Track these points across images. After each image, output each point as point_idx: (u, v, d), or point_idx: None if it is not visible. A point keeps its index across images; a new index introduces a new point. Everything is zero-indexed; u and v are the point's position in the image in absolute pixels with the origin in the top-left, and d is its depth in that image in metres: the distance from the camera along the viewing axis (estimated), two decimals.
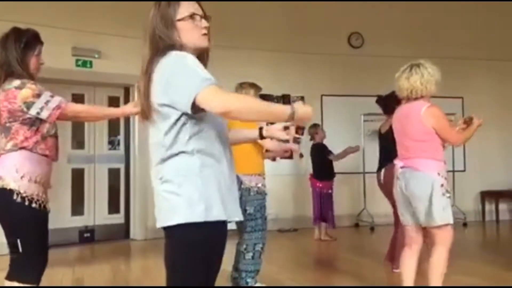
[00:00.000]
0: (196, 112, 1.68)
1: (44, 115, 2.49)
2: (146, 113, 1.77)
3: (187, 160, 1.73)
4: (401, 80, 3.23)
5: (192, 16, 1.82)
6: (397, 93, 3.34)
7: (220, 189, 1.76)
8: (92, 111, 2.80)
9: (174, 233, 1.73)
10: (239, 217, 1.87)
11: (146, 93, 1.75)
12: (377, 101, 4.96)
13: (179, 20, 1.80)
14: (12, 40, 2.59)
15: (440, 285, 3.12)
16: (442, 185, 3.07)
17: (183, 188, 1.72)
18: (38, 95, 2.49)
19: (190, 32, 1.82)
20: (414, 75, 3.16)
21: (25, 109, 2.48)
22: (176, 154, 1.73)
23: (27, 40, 2.62)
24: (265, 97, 4.47)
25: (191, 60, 1.73)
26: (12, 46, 2.57)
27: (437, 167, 3.11)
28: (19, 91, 2.49)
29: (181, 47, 1.79)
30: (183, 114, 1.71)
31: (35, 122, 2.52)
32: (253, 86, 4.22)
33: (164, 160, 1.75)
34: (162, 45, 1.78)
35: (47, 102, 2.49)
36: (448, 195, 3.10)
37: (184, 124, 1.72)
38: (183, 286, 1.74)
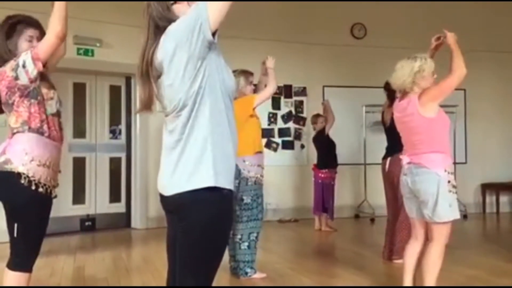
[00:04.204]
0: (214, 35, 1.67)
1: (30, 67, 2.47)
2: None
3: (207, 125, 1.72)
4: (394, 73, 3.22)
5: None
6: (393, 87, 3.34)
7: (228, 158, 1.77)
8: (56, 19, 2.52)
9: (201, 196, 1.70)
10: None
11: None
12: (384, 86, 4.91)
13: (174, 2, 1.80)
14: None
15: (433, 283, 3.11)
16: (449, 182, 3.05)
17: (209, 153, 1.71)
18: (17, 58, 2.50)
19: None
20: (405, 69, 3.14)
21: (14, 75, 2.48)
22: (200, 118, 1.72)
23: (8, 29, 2.59)
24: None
25: None
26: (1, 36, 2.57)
27: (444, 163, 3.08)
28: (4, 68, 2.52)
29: None
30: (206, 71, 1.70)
31: (33, 93, 2.52)
32: (242, 73, 4.32)
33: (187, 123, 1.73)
34: (162, 25, 1.77)
35: (24, 63, 2.47)
36: (454, 191, 3.07)
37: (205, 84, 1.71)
38: (213, 255, 1.77)
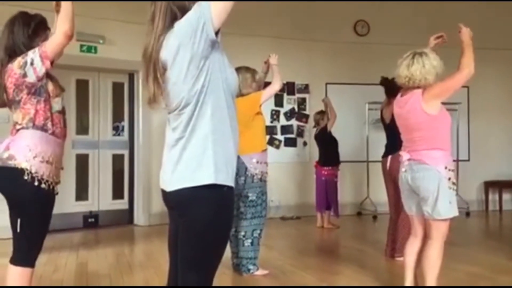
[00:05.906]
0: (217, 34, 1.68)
1: (38, 65, 2.50)
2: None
3: (209, 124, 1.72)
4: (401, 67, 3.18)
5: None
6: (396, 79, 3.30)
7: (229, 156, 1.77)
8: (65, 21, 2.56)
9: (202, 193, 1.71)
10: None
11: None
12: (381, 82, 4.91)
13: None
14: (20, 24, 2.61)
15: (435, 281, 3.11)
16: (449, 179, 3.04)
17: (210, 151, 1.72)
18: (25, 55, 2.52)
19: None
20: (415, 64, 3.10)
21: (22, 72, 2.50)
22: (202, 116, 1.72)
23: (36, 26, 2.64)
24: (269, 85, 4.48)
25: None
26: (20, 31, 2.59)
27: (445, 160, 3.07)
28: (12, 65, 2.54)
29: None
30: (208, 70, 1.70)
31: (40, 90, 2.54)
32: (249, 70, 4.28)
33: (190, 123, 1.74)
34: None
35: (32, 61, 2.50)
36: (454, 187, 3.07)
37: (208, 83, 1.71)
38: (215, 249, 1.78)
